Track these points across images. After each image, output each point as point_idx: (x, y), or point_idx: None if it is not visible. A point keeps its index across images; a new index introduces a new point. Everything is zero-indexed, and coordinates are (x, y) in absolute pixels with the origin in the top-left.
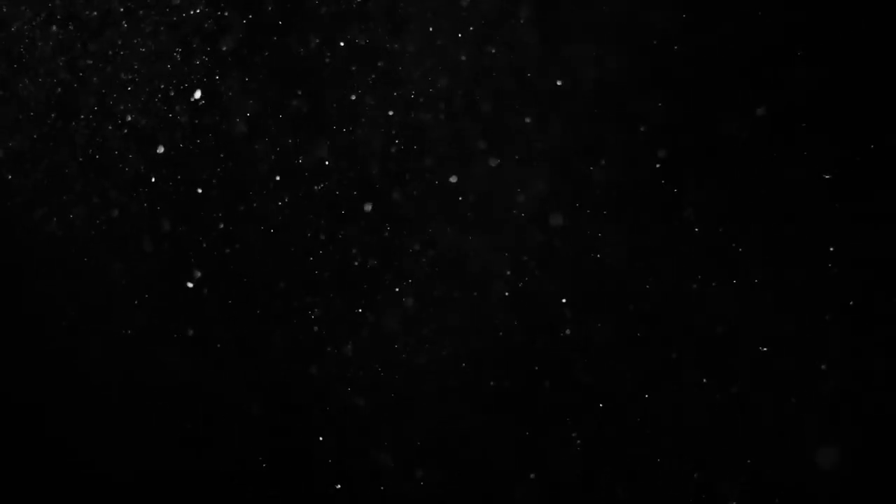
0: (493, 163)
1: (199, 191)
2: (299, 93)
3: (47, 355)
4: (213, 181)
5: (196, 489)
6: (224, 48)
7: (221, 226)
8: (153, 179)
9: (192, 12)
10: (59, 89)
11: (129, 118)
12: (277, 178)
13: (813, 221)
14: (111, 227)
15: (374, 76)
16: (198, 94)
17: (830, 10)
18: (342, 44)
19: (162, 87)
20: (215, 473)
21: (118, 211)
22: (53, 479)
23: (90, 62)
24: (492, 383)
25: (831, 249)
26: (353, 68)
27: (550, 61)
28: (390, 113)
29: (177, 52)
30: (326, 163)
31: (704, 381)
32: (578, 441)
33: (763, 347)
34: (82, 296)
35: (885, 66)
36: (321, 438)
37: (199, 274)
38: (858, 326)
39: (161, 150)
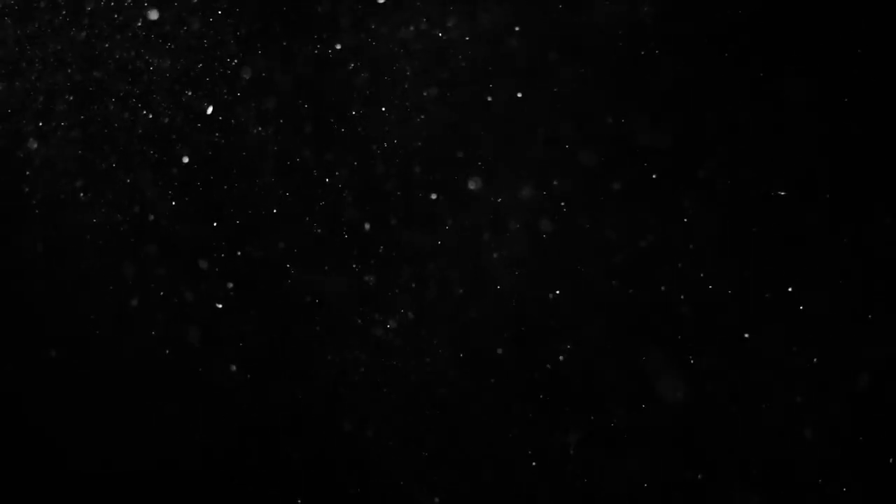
0: (474, 184)
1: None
2: (306, 106)
3: (59, 354)
4: (224, 187)
5: (198, 492)
6: (236, 62)
7: (229, 231)
8: (169, 185)
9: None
10: (74, 93)
11: (145, 127)
12: (284, 190)
13: (812, 220)
14: (125, 231)
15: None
16: (210, 110)
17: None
18: (339, 46)
19: (175, 99)
20: (217, 476)
21: (139, 216)
22: (60, 478)
23: (108, 67)
24: (492, 381)
25: (831, 248)
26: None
27: (541, 65)
28: (385, 112)
29: (191, 63)
30: (327, 179)
31: (707, 381)
32: (573, 448)
33: (765, 347)
34: (91, 297)
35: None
36: (326, 442)
37: (231, 285)
38: (857, 325)
39: (186, 159)
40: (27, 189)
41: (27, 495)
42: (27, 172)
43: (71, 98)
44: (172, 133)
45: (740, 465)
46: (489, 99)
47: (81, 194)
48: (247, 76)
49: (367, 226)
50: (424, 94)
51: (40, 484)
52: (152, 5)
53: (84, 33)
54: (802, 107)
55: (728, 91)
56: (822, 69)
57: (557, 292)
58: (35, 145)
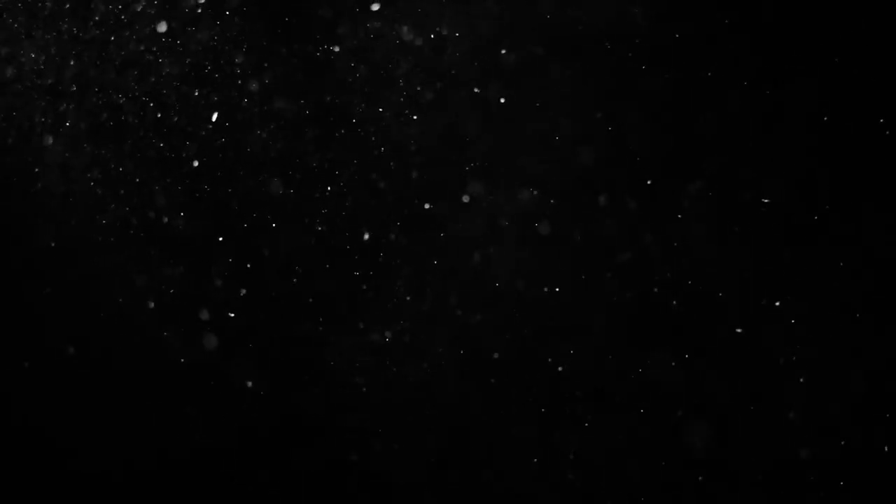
0: (473, 186)
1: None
2: (307, 111)
3: (69, 353)
4: (230, 190)
5: (199, 493)
6: (241, 67)
7: (234, 232)
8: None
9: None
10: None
11: (153, 125)
12: (286, 192)
13: (813, 218)
14: (135, 230)
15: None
16: (214, 117)
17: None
18: (337, 48)
19: (180, 104)
20: (218, 477)
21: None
22: (61, 478)
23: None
24: (492, 381)
25: (833, 246)
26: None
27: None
28: (384, 115)
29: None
30: (329, 189)
31: (711, 380)
32: (574, 452)
33: (765, 347)
34: (98, 296)
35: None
36: (330, 449)
37: (235, 289)
38: (857, 325)
39: (196, 164)
40: (40, 185)
41: (28, 495)
42: (36, 169)
43: (78, 94)
44: (180, 132)
45: (740, 465)
46: (487, 100)
47: (90, 189)
48: (253, 81)
49: (367, 225)
50: (423, 94)
51: (41, 484)
52: (160, 15)
53: (92, 25)
54: (800, 105)
55: (726, 91)
56: (821, 68)
57: (557, 291)
58: (49, 141)
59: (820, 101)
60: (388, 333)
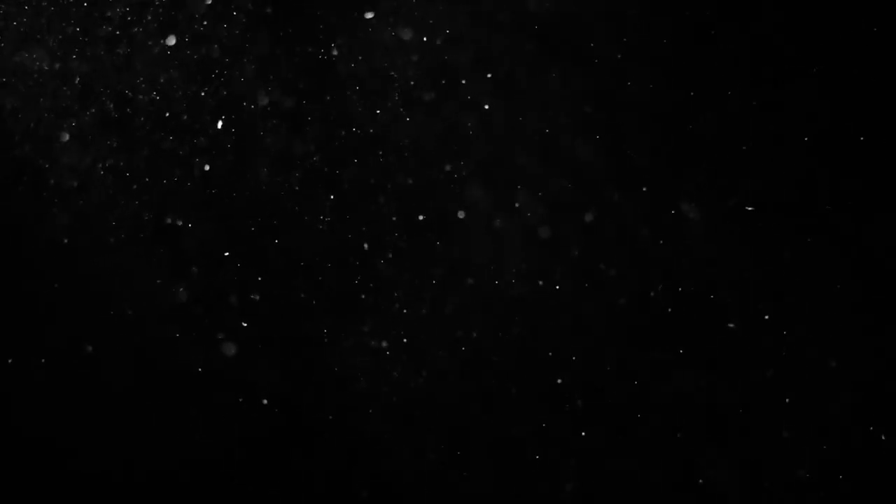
0: (471, 190)
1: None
2: (309, 116)
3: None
4: (234, 193)
5: (201, 494)
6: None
7: (238, 234)
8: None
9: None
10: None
11: (159, 135)
12: (288, 194)
13: (813, 218)
14: (142, 234)
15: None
16: (219, 125)
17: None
18: (335, 52)
19: (186, 107)
20: (219, 478)
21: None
22: (61, 478)
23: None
24: (492, 381)
25: (834, 246)
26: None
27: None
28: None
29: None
30: (332, 196)
31: (712, 381)
32: (574, 453)
33: (766, 348)
34: (105, 296)
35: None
36: (331, 450)
37: (243, 293)
38: (857, 325)
39: (207, 167)
40: (52, 182)
41: (28, 495)
42: (46, 165)
43: (86, 93)
44: (187, 131)
45: (741, 465)
46: (487, 101)
47: (102, 188)
48: (255, 81)
49: (367, 225)
50: (422, 95)
51: (41, 484)
52: (167, 16)
53: (99, 24)
54: (800, 105)
55: (725, 91)
56: (821, 68)
57: (557, 291)
58: (65, 138)
59: (820, 101)
60: (388, 334)
